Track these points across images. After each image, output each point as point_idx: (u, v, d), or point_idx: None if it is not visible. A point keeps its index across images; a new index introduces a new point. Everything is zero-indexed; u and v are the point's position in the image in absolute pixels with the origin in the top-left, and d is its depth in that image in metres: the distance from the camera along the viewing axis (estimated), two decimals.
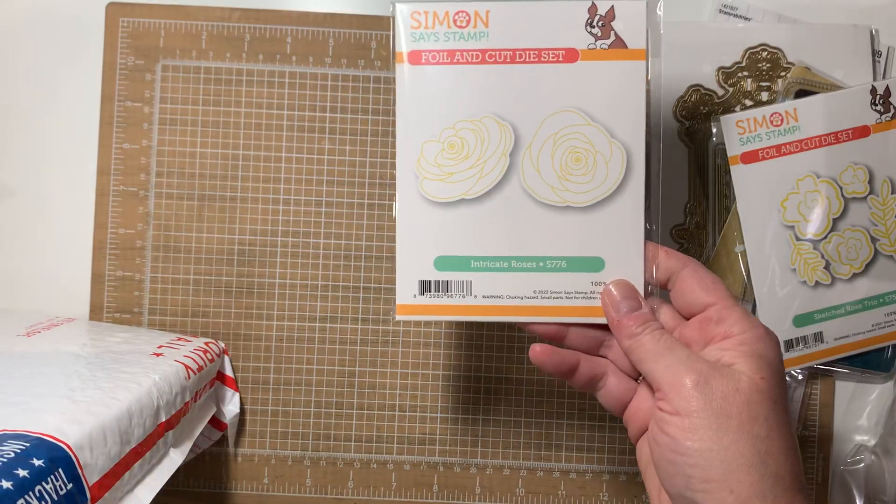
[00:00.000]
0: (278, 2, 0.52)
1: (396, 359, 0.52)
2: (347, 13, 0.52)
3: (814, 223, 0.50)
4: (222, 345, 0.50)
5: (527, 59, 0.39)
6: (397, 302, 0.40)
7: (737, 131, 0.49)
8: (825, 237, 0.49)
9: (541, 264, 0.40)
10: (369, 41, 0.51)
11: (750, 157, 0.49)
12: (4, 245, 0.52)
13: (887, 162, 0.50)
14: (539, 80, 0.39)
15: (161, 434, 0.39)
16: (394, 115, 0.40)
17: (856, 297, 0.50)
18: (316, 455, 0.52)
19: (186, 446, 0.43)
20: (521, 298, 0.40)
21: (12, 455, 0.29)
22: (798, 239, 0.50)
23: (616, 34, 0.39)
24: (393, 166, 0.51)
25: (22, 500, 0.28)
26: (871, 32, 0.51)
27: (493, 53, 0.39)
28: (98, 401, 0.36)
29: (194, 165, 0.51)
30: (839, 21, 0.52)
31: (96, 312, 0.51)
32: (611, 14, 0.39)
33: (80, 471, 0.31)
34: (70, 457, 0.31)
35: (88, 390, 0.37)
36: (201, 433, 0.46)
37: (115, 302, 0.51)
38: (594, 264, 0.39)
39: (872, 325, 0.50)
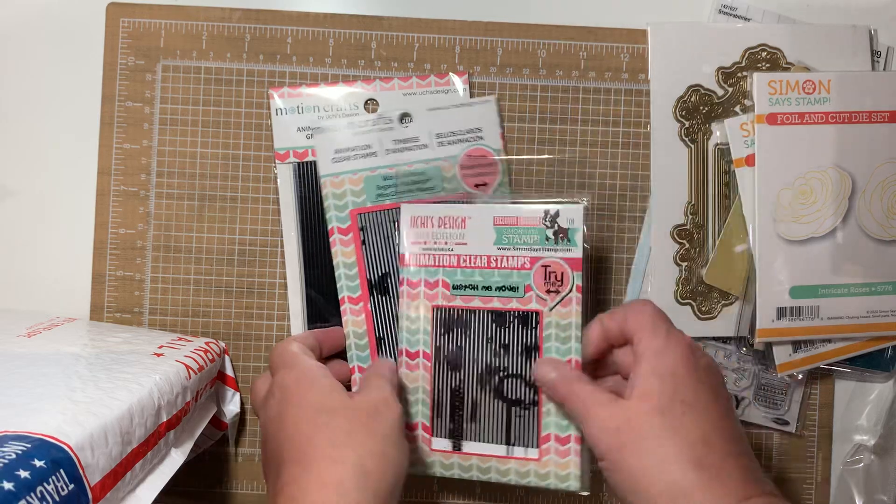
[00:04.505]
0: (278, 2, 0.52)
1: None
2: (347, 13, 0.52)
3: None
4: (223, 344, 0.51)
5: (860, 120, 0.48)
6: (758, 327, 0.48)
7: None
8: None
9: (872, 289, 0.49)
10: (369, 41, 0.51)
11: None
12: (4, 245, 0.52)
13: None
14: (870, 137, 0.48)
15: (162, 434, 0.39)
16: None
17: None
18: None
19: (187, 446, 0.43)
20: (857, 318, 0.49)
21: (14, 456, 0.29)
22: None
23: None
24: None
25: (23, 502, 0.28)
26: (871, 32, 0.51)
27: (835, 115, 0.48)
28: (99, 401, 0.36)
29: (194, 165, 0.51)
30: (839, 21, 0.52)
31: (97, 312, 0.52)
32: None
33: (81, 471, 0.32)
34: (71, 457, 0.31)
35: (89, 391, 0.37)
36: (202, 433, 0.46)
37: (115, 302, 0.51)
38: None
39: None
